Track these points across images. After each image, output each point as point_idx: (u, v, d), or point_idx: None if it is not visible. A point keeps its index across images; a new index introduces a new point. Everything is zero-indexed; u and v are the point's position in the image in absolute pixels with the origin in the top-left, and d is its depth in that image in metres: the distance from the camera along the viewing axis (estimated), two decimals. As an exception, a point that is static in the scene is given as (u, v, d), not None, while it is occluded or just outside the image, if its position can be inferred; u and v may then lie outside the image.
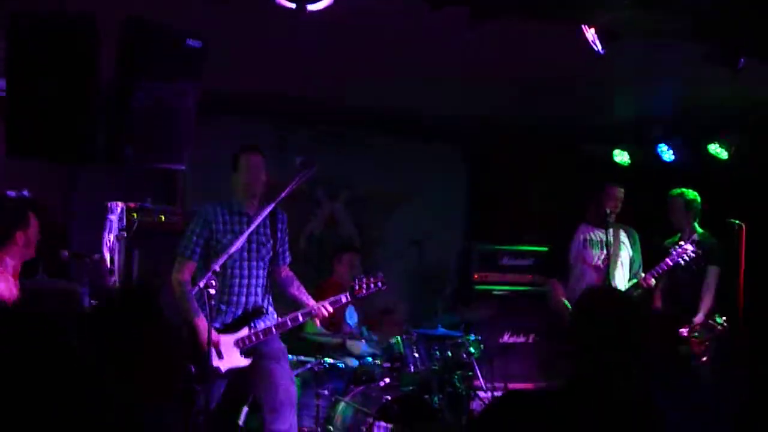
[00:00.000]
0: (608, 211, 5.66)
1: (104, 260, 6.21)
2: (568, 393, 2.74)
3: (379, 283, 5.34)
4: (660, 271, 5.63)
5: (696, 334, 6.13)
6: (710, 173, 7.11)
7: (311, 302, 5.23)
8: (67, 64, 4.55)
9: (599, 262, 5.69)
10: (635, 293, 5.60)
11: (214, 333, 4.78)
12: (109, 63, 4.57)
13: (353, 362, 6.32)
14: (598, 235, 5.75)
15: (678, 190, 6.41)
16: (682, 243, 5.79)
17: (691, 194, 6.39)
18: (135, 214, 6.25)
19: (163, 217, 6.39)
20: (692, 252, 5.69)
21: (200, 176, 7.35)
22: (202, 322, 4.84)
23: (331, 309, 5.19)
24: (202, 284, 4.61)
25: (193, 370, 4.75)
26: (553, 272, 5.91)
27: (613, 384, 2.72)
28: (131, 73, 4.70)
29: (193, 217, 5.23)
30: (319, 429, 5.83)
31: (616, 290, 4.01)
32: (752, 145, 6.95)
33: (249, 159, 5.12)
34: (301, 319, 5.15)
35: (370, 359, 6.26)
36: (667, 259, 5.66)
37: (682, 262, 5.71)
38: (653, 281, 5.59)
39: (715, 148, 7.08)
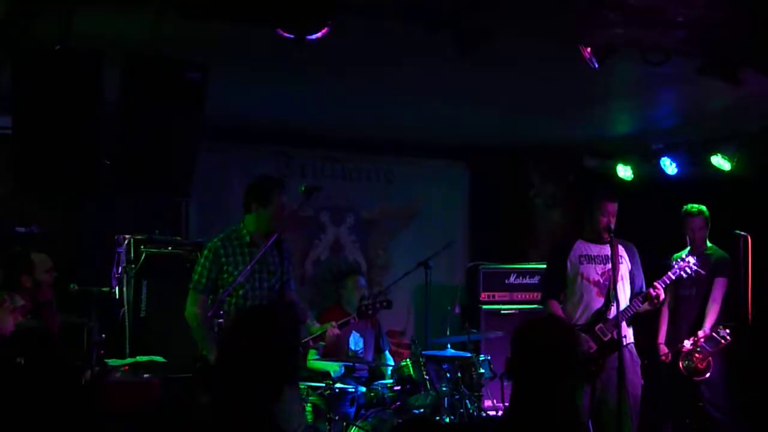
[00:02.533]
0: (603, 226, 5.64)
1: (113, 293, 6.24)
2: (513, 423, 2.77)
3: (385, 303, 5.38)
4: (664, 284, 5.61)
5: (698, 349, 6.13)
6: (714, 185, 7.12)
7: (317, 325, 5.27)
8: (71, 100, 4.60)
9: (599, 278, 5.66)
10: (644, 305, 5.58)
11: None
12: (112, 95, 4.63)
13: (362, 387, 6.33)
14: (596, 249, 5.72)
15: (696, 207, 6.41)
16: (684, 256, 5.78)
17: (707, 210, 6.41)
18: (142, 246, 6.29)
19: (170, 248, 6.43)
20: (694, 265, 5.68)
21: (204, 205, 7.40)
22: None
23: (338, 331, 5.21)
24: (210, 314, 4.63)
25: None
26: (550, 293, 5.86)
27: (557, 412, 2.74)
28: (134, 106, 4.75)
29: (202, 250, 5.23)
30: (331, 454, 5.82)
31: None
32: (754, 156, 6.97)
33: (281, 197, 5.08)
34: (311, 343, 5.17)
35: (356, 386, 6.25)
36: (670, 273, 5.64)
37: (684, 276, 5.70)
38: (662, 292, 5.57)
39: (717, 160, 7.09)
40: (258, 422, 2.42)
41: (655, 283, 5.54)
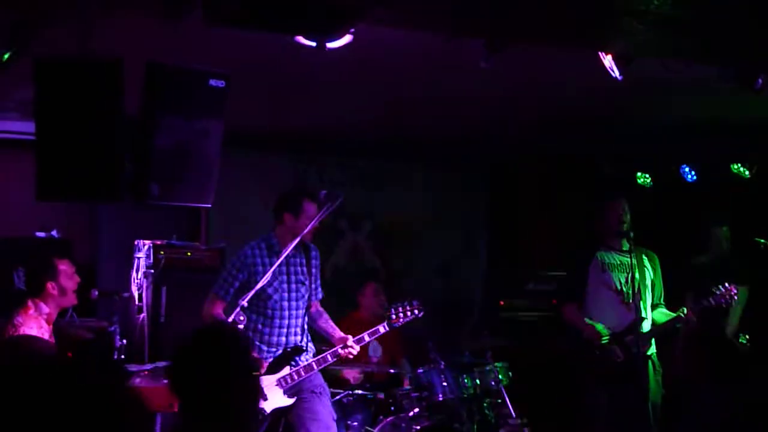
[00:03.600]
0: (613, 223, 5.63)
1: (133, 298, 6.27)
2: None
3: (416, 311, 5.30)
4: (699, 311, 5.58)
5: None
6: (733, 192, 7.08)
7: (344, 335, 5.23)
8: (93, 106, 4.62)
9: (621, 287, 5.65)
10: (677, 325, 5.58)
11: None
12: (133, 102, 4.66)
13: (379, 393, 6.32)
14: (617, 258, 5.71)
15: (724, 225, 6.43)
16: (727, 285, 5.68)
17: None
18: (162, 252, 6.32)
19: (189, 254, 6.46)
20: (735, 294, 5.61)
21: (222, 211, 7.43)
22: None
23: (368, 339, 5.20)
24: (230, 319, 4.65)
25: None
26: (567, 297, 5.88)
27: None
28: (156, 113, 4.77)
29: (232, 257, 5.25)
30: (349, 461, 5.82)
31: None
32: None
33: (312, 208, 5.11)
34: (330, 359, 5.15)
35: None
36: (711, 299, 5.58)
37: (724, 305, 5.65)
38: (695, 319, 5.55)
39: (737, 168, 7.06)
40: None
41: (689, 312, 5.51)
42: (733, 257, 6.38)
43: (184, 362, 2.54)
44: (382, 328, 5.26)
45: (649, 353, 5.57)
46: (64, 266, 4.93)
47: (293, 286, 5.12)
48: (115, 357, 5.31)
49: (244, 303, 4.74)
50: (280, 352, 5.07)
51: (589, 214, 6.17)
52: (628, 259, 5.55)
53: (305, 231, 5.04)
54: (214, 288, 5.13)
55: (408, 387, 6.39)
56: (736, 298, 5.63)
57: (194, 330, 2.72)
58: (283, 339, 5.09)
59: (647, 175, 7.88)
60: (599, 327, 5.60)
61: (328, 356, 5.10)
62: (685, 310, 5.53)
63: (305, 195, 5.18)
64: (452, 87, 5.81)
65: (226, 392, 2.49)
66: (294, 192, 5.27)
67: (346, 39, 3.96)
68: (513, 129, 7.29)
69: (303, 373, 5.03)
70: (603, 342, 5.55)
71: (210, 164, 4.73)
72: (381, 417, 6.14)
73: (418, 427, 5.74)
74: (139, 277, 6.38)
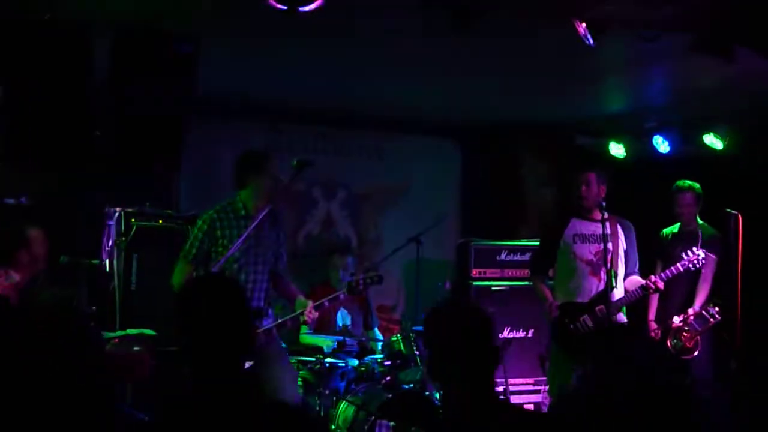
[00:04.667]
0: (578, 197, 5.65)
1: (104, 265, 6.22)
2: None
3: (375, 278, 5.33)
4: (669, 275, 5.60)
5: (686, 328, 6.14)
6: (706, 164, 7.12)
7: (304, 298, 5.25)
8: (61, 71, 4.57)
9: (592, 257, 5.67)
10: (644, 293, 5.59)
11: None
12: (102, 67, 4.60)
13: (352, 361, 6.34)
14: (590, 228, 5.72)
15: (686, 183, 6.41)
16: (695, 249, 5.71)
17: (698, 187, 6.41)
18: (133, 219, 6.26)
19: (161, 221, 6.41)
20: (703, 259, 5.64)
21: (195, 178, 7.38)
22: None
23: (315, 315, 5.18)
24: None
25: None
26: (538, 269, 5.91)
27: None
28: (124, 78, 4.73)
29: (196, 220, 5.24)
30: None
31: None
32: (746, 135, 6.97)
33: (275, 167, 5.12)
34: (289, 323, 5.16)
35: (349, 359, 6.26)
36: (678, 265, 5.61)
37: (692, 269, 5.67)
38: (662, 285, 5.56)
39: (710, 139, 7.09)
40: (229, 389, 2.38)
41: (656, 279, 5.52)
42: (702, 228, 6.41)
43: (186, 307, 2.50)
44: (342, 295, 5.28)
45: (620, 322, 5.60)
46: (35, 234, 4.90)
47: (260, 250, 5.11)
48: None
49: (215, 269, 4.73)
50: None
51: (565, 183, 6.17)
52: (601, 230, 5.55)
53: (270, 191, 5.02)
54: (181, 253, 5.13)
55: (380, 355, 6.42)
56: (703, 262, 5.66)
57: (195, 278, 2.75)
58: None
59: (620, 146, 7.89)
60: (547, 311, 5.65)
61: (288, 321, 5.11)
62: (652, 277, 5.55)
63: (263, 155, 5.18)
64: (426, 51, 5.78)
65: (227, 335, 2.46)
66: (251, 153, 5.23)
67: (318, 2, 3.91)
68: (485, 98, 7.26)
69: (263, 337, 5.03)
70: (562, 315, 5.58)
71: (180, 129, 4.69)
72: (353, 386, 6.16)
73: (390, 396, 5.76)
74: (110, 244, 6.32)
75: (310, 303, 5.14)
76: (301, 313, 5.11)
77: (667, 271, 5.60)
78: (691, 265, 5.63)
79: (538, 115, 7.88)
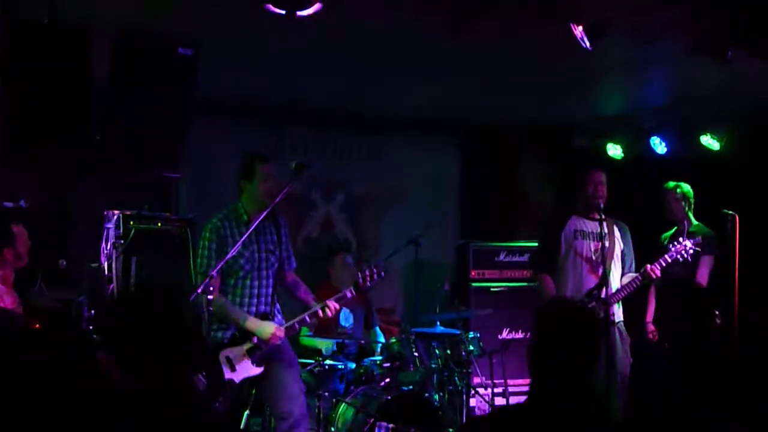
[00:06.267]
0: (590, 194, 5.67)
1: (102, 269, 6.22)
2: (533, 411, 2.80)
3: (383, 273, 5.26)
4: (663, 264, 5.62)
5: None
6: (703, 164, 7.14)
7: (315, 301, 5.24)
8: (61, 73, 4.58)
9: (591, 254, 5.69)
10: (644, 283, 5.62)
11: (224, 348, 4.86)
12: (102, 71, 4.60)
13: (351, 364, 6.35)
14: (590, 226, 5.75)
15: (672, 183, 6.46)
16: (681, 239, 5.76)
17: (686, 186, 6.44)
18: (132, 222, 6.25)
19: (159, 224, 6.40)
20: (691, 248, 5.67)
21: (194, 181, 7.37)
22: (250, 319, 4.96)
23: (337, 305, 5.14)
24: (199, 290, 4.62)
25: (204, 380, 4.78)
26: (542, 267, 5.90)
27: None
28: (124, 82, 4.73)
29: (203, 231, 5.20)
30: (320, 431, 5.84)
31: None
32: (743, 136, 6.98)
33: (267, 169, 5.09)
34: (308, 320, 5.14)
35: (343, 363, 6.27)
36: (666, 255, 5.65)
37: (681, 259, 5.70)
38: (659, 272, 5.58)
39: (707, 140, 7.11)
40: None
41: (654, 266, 5.55)
42: (698, 228, 6.43)
43: (116, 324, 2.53)
44: (348, 293, 5.23)
45: (616, 321, 5.62)
46: (18, 230, 4.93)
47: (263, 255, 5.10)
48: (84, 328, 5.27)
49: (214, 273, 4.73)
50: None
51: (564, 184, 6.19)
52: (599, 229, 5.58)
53: (271, 196, 5.01)
54: (197, 268, 5.10)
55: (379, 357, 6.42)
56: (692, 251, 5.68)
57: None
58: (254, 309, 5.08)
59: (618, 146, 7.91)
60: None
61: (296, 325, 5.10)
62: (648, 266, 5.57)
63: (254, 157, 5.14)
64: (425, 53, 5.79)
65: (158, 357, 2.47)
66: (243, 157, 5.18)
67: (316, 6, 3.93)
68: (485, 100, 7.28)
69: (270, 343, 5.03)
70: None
71: (178, 132, 4.70)
72: (352, 387, 6.16)
73: (389, 397, 5.76)
74: (108, 247, 6.32)
75: (327, 301, 5.12)
76: (324, 306, 5.08)
77: (660, 260, 5.62)
78: (679, 256, 5.64)
79: (537, 116, 7.89)
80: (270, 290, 5.14)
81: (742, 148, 7.03)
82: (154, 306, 2.52)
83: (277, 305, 5.23)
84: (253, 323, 4.98)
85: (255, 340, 5.00)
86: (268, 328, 4.96)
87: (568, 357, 2.80)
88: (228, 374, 4.91)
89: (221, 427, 3.35)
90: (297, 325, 5.11)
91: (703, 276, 6.25)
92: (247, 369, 4.99)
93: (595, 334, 2.91)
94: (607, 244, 5.53)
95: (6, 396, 2.22)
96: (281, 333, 4.98)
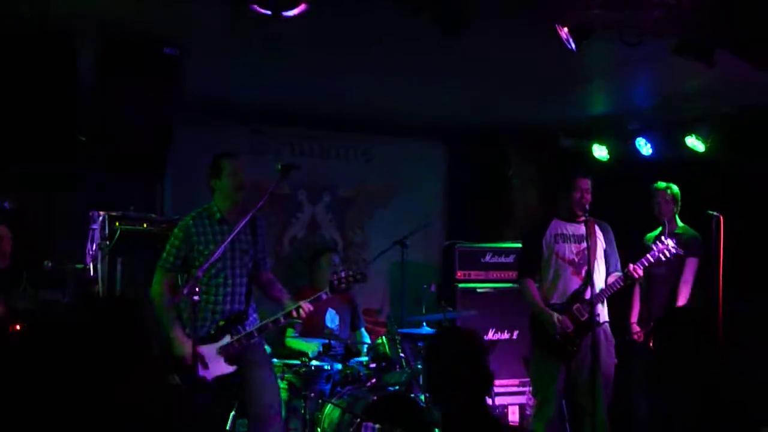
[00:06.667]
0: (576, 201, 5.69)
1: (87, 270, 6.20)
2: None
3: (358, 276, 5.25)
4: (645, 264, 5.65)
5: None
6: (688, 166, 7.17)
7: (291, 300, 5.23)
8: (45, 74, 4.56)
9: (574, 256, 5.71)
10: (627, 283, 5.65)
11: (198, 345, 4.81)
12: (88, 71, 4.59)
13: (337, 365, 6.35)
14: (570, 229, 5.77)
15: (663, 184, 6.49)
16: (663, 239, 5.80)
17: (675, 188, 6.48)
18: (117, 223, 6.24)
19: (145, 225, 6.39)
20: (673, 248, 5.70)
21: (179, 183, 7.36)
22: (178, 333, 4.91)
23: (311, 307, 5.13)
24: (185, 291, 4.62)
25: (178, 380, 4.78)
26: (526, 272, 5.91)
27: None
28: (111, 82, 4.72)
29: (174, 228, 5.23)
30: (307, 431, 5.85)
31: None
32: (728, 138, 7.01)
33: (234, 164, 5.13)
34: (282, 320, 5.15)
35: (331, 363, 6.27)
36: (648, 255, 5.67)
37: (663, 259, 5.72)
38: (642, 272, 5.61)
39: (692, 141, 7.14)
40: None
41: (636, 266, 5.57)
42: (683, 230, 6.46)
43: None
44: (324, 295, 5.22)
45: (601, 321, 5.64)
46: (2, 231, 4.92)
47: (237, 254, 5.10)
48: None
49: (200, 274, 4.72)
50: (222, 320, 5.06)
51: (550, 185, 6.21)
52: (582, 230, 5.60)
53: (241, 190, 5.06)
54: (159, 261, 5.14)
55: (365, 358, 6.43)
56: (673, 251, 5.70)
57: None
58: (228, 307, 5.08)
59: (603, 148, 7.93)
60: (545, 317, 5.65)
61: (269, 324, 5.10)
62: (631, 266, 5.59)
63: (221, 155, 5.19)
64: (410, 56, 5.79)
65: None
66: (213, 156, 5.22)
67: (301, 7, 3.93)
68: (471, 101, 7.29)
69: (244, 341, 5.03)
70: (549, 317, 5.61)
71: (164, 133, 4.69)
72: (338, 388, 6.17)
73: (376, 398, 5.77)
74: (94, 248, 6.30)
75: (301, 302, 5.12)
76: (298, 307, 5.07)
77: (643, 260, 5.64)
78: (661, 255, 5.67)
79: (522, 118, 7.90)
80: (244, 289, 5.14)
81: (727, 149, 7.06)
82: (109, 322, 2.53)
83: (253, 304, 5.22)
84: (177, 333, 4.93)
85: (230, 337, 5.00)
86: (183, 348, 4.86)
87: (462, 382, 2.92)
88: (201, 371, 4.89)
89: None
90: (270, 325, 5.11)
91: (687, 278, 6.29)
92: (220, 367, 4.99)
93: (483, 357, 3.02)
94: (590, 244, 5.56)
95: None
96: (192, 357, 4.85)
